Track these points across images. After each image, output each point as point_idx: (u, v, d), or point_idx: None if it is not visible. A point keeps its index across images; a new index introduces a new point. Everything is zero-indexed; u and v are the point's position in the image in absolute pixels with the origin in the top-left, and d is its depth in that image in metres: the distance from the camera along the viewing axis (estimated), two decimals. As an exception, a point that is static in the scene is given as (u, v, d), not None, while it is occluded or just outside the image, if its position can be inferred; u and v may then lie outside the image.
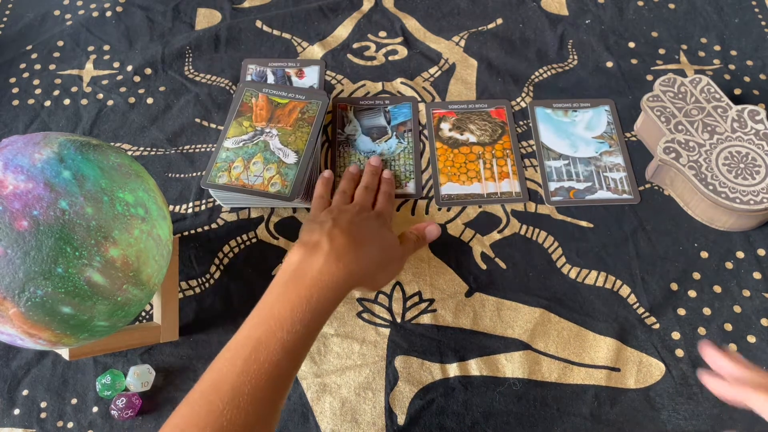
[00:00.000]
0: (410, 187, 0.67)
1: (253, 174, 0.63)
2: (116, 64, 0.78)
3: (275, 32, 0.80)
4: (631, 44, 0.77)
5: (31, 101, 0.76)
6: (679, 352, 0.58)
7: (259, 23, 0.81)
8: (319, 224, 0.54)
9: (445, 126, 0.71)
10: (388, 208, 0.62)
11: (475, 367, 0.58)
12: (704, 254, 0.63)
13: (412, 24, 0.80)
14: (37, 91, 0.76)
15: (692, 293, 0.61)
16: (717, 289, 0.61)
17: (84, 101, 0.75)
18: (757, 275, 0.62)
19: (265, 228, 0.66)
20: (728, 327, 0.59)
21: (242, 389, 0.43)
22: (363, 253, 0.52)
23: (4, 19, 0.84)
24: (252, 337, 0.45)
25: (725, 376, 0.47)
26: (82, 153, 0.47)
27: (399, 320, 0.60)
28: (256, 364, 0.44)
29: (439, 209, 0.66)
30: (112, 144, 0.68)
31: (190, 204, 0.67)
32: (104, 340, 0.53)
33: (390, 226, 0.59)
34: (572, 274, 0.62)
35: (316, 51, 0.78)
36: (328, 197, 0.63)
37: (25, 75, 0.78)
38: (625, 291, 0.61)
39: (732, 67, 0.75)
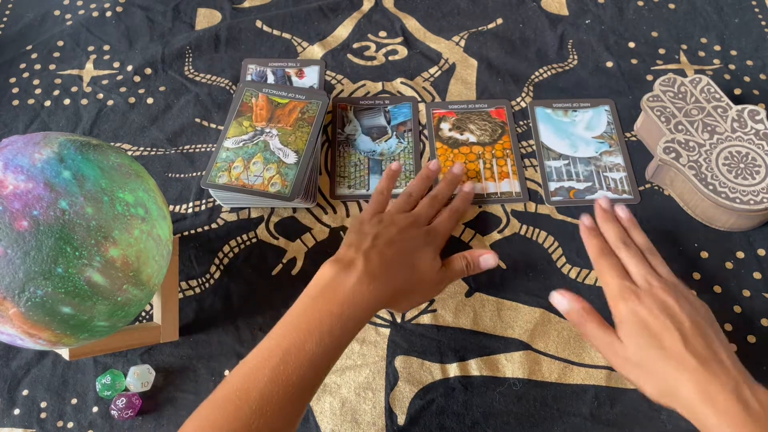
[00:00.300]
0: (410, 187, 0.67)
1: (253, 174, 0.63)
2: (116, 64, 0.78)
3: (275, 32, 0.80)
4: (631, 44, 0.77)
5: (31, 101, 0.76)
6: (679, 352, 0.58)
7: (259, 23, 0.81)
8: (360, 239, 0.53)
9: (445, 126, 0.71)
10: (447, 227, 0.59)
11: (475, 367, 0.58)
12: (704, 254, 0.63)
13: (412, 24, 0.80)
14: (37, 91, 0.76)
15: (692, 293, 0.61)
16: (717, 289, 0.61)
17: (84, 101, 0.75)
18: (757, 275, 0.62)
19: (265, 228, 0.66)
20: (728, 327, 0.59)
21: (270, 397, 0.42)
22: (394, 277, 0.51)
23: (4, 19, 0.84)
24: (280, 347, 0.45)
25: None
26: (82, 153, 0.47)
27: (399, 320, 0.60)
28: (284, 374, 0.43)
29: (439, 209, 0.66)
30: (112, 144, 0.68)
31: (190, 204, 0.67)
32: (104, 340, 0.53)
33: (437, 247, 0.56)
34: (572, 274, 0.62)
35: (316, 51, 0.78)
36: (387, 194, 0.61)
37: (25, 75, 0.78)
38: (625, 291, 0.61)
39: (732, 67, 0.75)
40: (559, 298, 0.53)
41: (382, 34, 0.80)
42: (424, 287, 0.54)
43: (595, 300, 0.61)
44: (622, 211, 0.58)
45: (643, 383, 0.48)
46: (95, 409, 0.57)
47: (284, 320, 0.47)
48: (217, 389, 0.44)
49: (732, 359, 0.46)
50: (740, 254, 0.63)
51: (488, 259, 0.56)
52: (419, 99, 0.74)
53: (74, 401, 0.57)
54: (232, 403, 0.42)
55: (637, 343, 0.48)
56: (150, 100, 0.75)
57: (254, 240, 0.65)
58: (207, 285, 0.63)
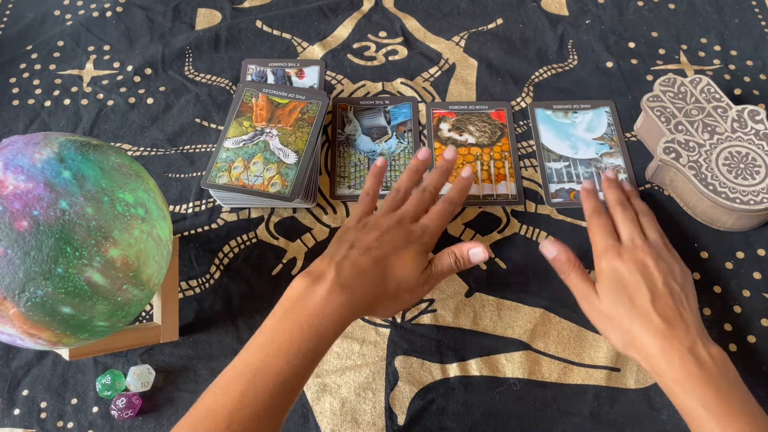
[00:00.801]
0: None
1: (253, 174, 0.63)
2: (116, 64, 0.78)
3: (275, 32, 0.80)
4: (631, 44, 0.77)
5: (31, 101, 0.76)
6: (679, 352, 0.58)
7: (259, 23, 0.81)
8: (336, 248, 0.52)
9: (444, 126, 0.71)
10: (438, 222, 0.55)
11: (475, 367, 0.58)
12: (704, 254, 0.63)
13: (412, 24, 0.80)
14: (37, 91, 0.76)
15: (692, 293, 0.61)
16: (717, 289, 0.61)
17: (84, 101, 0.75)
18: (757, 275, 0.62)
19: (265, 228, 0.66)
20: (728, 327, 0.59)
21: (240, 419, 0.42)
22: (369, 285, 0.49)
23: (4, 19, 0.84)
24: (249, 366, 0.44)
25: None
26: (82, 153, 0.47)
27: (399, 320, 0.60)
28: (252, 396, 0.43)
29: (439, 209, 0.66)
30: (112, 144, 0.68)
31: (190, 204, 0.67)
32: (104, 340, 0.53)
33: (424, 245, 0.53)
34: (572, 274, 0.62)
35: (316, 51, 0.78)
36: (374, 194, 0.59)
37: (25, 75, 0.78)
38: (625, 291, 0.61)
39: (732, 67, 0.75)
40: (548, 247, 0.56)
41: (382, 34, 0.80)
42: (407, 290, 0.52)
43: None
44: (625, 184, 0.64)
45: (610, 334, 0.52)
46: (95, 409, 0.57)
47: (254, 339, 0.46)
48: (192, 408, 0.43)
49: (695, 322, 0.51)
50: (740, 254, 0.63)
51: (478, 253, 0.53)
52: (419, 99, 0.74)
53: (74, 401, 0.57)
54: (203, 426, 0.42)
55: (611, 298, 0.52)
56: (150, 100, 0.75)
57: (254, 240, 0.65)
58: (207, 285, 0.63)
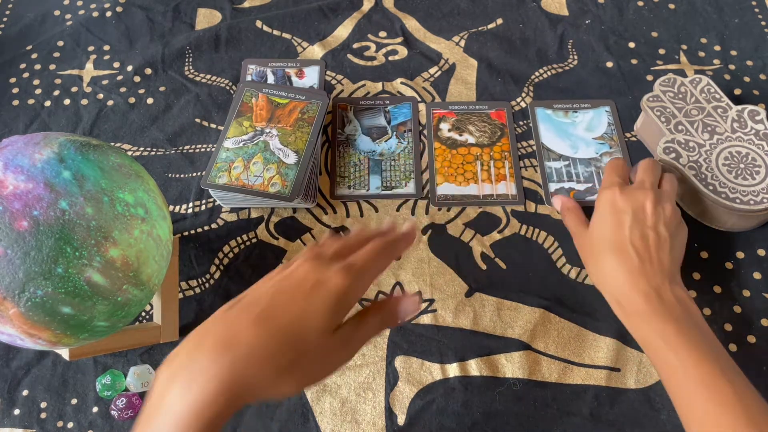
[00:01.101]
0: (410, 187, 0.67)
1: (253, 174, 0.63)
2: (116, 64, 0.78)
3: (275, 32, 0.80)
4: (631, 44, 0.77)
5: (31, 101, 0.76)
6: (679, 352, 0.58)
7: (259, 23, 0.81)
8: (225, 306, 0.39)
9: (444, 126, 0.71)
10: (367, 258, 0.41)
11: (475, 367, 0.58)
12: (704, 254, 0.63)
13: (412, 24, 0.80)
14: (37, 91, 0.76)
15: (692, 293, 0.61)
16: (717, 289, 0.61)
17: (84, 101, 0.75)
18: (757, 275, 0.62)
19: (265, 228, 0.66)
20: (728, 327, 0.59)
21: None
22: (247, 356, 0.36)
23: (4, 19, 0.84)
24: None
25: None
26: (82, 153, 0.47)
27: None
28: None
29: (439, 209, 0.66)
30: (112, 144, 0.68)
31: (190, 204, 0.67)
32: (104, 340, 0.53)
33: (342, 292, 0.38)
34: (572, 275, 0.62)
35: (316, 51, 0.78)
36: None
37: (25, 75, 0.78)
38: (625, 291, 0.61)
39: (732, 67, 0.75)
40: (555, 202, 0.62)
41: (382, 34, 0.80)
42: (315, 357, 0.38)
43: (595, 300, 0.61)
44: None
45: (589, 264, 0.54)
46: (95, 409, 0.57)
47: None
48: None
49: (670, 267, 0.51)
50: (740, 254, 0.63)
51: (407, 309, 0.42)
52: (419, 99, 0.74)
53: (74, 401, 0.57)
54: None
55: (599, 227, 0.54)
56: (150, 100, 0.75)
57: (254, 240, 0.65)
58: (207, 285, 0.63)
